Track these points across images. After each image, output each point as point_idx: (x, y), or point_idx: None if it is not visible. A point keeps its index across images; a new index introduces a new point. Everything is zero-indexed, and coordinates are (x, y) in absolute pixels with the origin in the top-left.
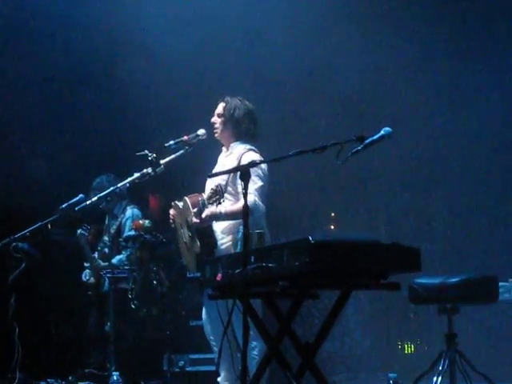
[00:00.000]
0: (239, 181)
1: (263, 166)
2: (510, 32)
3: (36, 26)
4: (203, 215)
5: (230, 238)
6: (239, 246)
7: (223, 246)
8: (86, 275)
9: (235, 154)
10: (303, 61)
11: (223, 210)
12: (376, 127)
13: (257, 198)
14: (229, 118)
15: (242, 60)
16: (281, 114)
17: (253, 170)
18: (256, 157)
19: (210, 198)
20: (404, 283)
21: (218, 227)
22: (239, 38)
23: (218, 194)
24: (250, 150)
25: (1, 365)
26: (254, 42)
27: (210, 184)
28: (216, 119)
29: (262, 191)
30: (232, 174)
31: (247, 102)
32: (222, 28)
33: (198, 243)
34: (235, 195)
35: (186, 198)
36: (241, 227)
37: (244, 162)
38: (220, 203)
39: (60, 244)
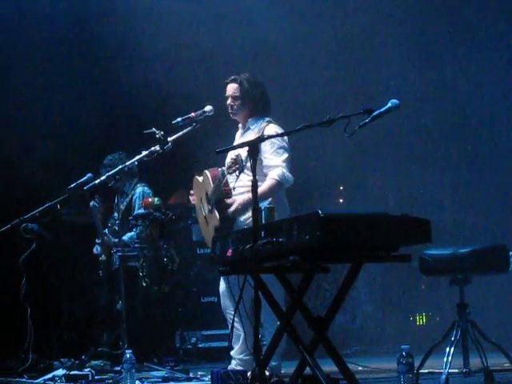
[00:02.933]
0: (262, 149)
1: (285, 137)
2: None
3: None
4: (234, 208)
5: (250, 213)
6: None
7: (248, 221)
8: (98, 249)
9: (254, 129)
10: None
11: (266, 191)
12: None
13: (285, 170)
14: (247, 98)
15: (245, 37)
16: (287, 87)
17: (276, 142)
18: (277, 129)
19: (229, 167)
20: (415, 255)
21: None
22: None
23: (237, 163)
24: (270, 122)
25: (14, 346)
26: (253, 19)
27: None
28: (233, 101)
29: (288, 162)
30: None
31: (257, 78)
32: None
33: (218, 216)
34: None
35: (206, 171)
36: (263, 202)
37: (268, 134)
38: (240, 172)
39: (69, 224)
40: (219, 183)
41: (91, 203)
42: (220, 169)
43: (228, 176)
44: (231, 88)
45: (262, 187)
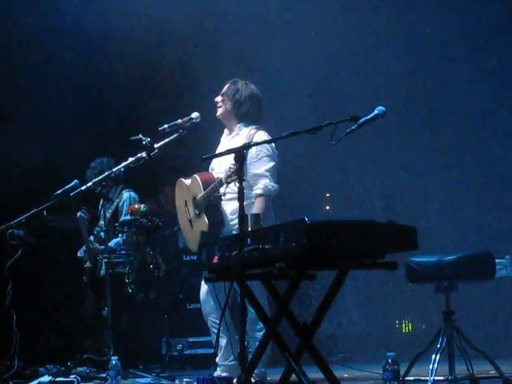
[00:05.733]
0: (249, 155)
1: (273, 144)
2: None
3: None
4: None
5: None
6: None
7: (234, 228)
8: (82, 252)
9: (242, 135)
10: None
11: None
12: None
13: (268, 180)
14: (230, 98)
15: (241, 44)
16: (278, 93)
17: (263, 150)
18: (266, 136)
19: (229, 176)
20: (401, 262)
21: (228, 208)
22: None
23: (237, 174)
24: (259, 129)
25: None
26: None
27: (220, 164)
28: (219, 97)
29: (273, 171)
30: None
31: (253, 86)
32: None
33: (207, 221)
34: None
35: (196, 175)
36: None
37: (256, 141)
38: (240, 182)
39: (56, 230)
40: (213, 191)
41: (78, 214)
42: (216, 176)
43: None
44: (225, 87)
45: (255, 209)
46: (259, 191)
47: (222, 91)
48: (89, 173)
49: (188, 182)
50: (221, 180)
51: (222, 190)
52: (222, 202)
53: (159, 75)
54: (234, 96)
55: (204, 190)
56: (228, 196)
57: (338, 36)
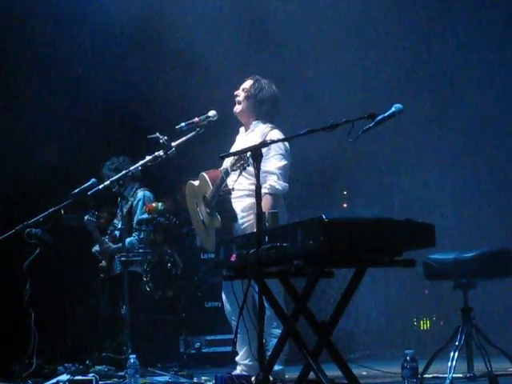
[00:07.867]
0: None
1: (286, 144)
2: None
3: None
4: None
5: (251, 216)
6: None
7: (245, 225)
8: (96, 247)
9: (257, 132)
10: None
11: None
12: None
13: (276, 178)
14: (253, 95)
15: (256, 41)
16: (294, 92)
17: (276, 149)
18: (280, 135)
19: (233, 164)
20: (418, 259)
21: (239, 206)
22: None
23: (242, 160)
24: (274, 128)
25: (18, 351)
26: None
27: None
28: (240, 92)
29: (284, 170)
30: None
31: (274, 87)
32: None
33: (219, 217)
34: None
35: (203, 173)
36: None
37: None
38: (245, 169)
39: (73, 229)
40: (221, 183)
41: (85, 217)
42: (221, 168)
43: (231, 174)
44: (246, 82)
45: (265, 202)
46: (265, 190)
47: (243, 86)
48: (105, 170)
49: (196, 182)
50: (226, 169)
51: (230, 185)
52: (232, 200)
53: (177, 72)
54: (257, 95)
55: (212, 185)
56: (238, 193)
57: (349, 32)
